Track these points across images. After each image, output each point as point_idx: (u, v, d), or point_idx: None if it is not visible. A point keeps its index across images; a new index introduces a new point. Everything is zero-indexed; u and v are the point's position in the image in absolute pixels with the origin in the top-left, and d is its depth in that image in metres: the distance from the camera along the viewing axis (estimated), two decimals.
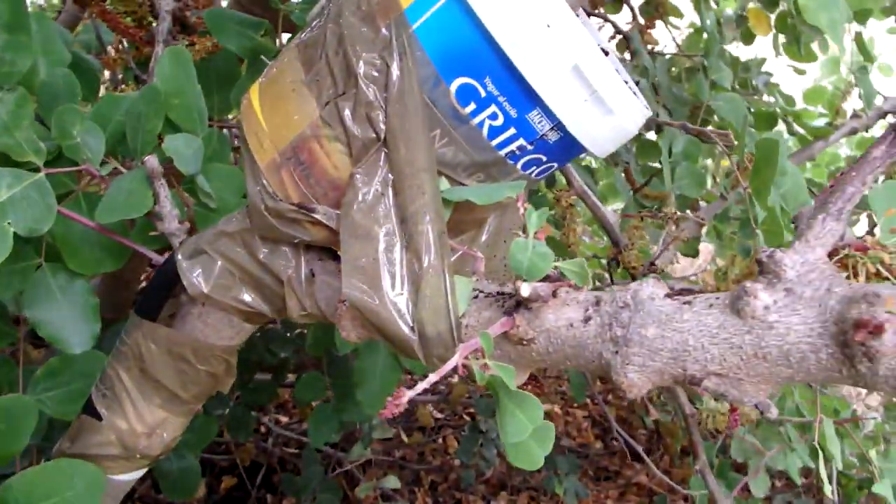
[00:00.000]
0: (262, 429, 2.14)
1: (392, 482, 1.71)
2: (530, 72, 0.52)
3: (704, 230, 1.73)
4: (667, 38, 2.00)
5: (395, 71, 0.54)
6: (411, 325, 0.53)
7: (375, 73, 0.55)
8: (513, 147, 0.57)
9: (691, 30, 2.17)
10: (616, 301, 0.44)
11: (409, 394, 0.41)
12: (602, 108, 0.55)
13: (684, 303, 0.41)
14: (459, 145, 0.56)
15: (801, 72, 1.99)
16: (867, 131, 2.08)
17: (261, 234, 0.63)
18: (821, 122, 2.08)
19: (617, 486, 2.17)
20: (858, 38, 1.68)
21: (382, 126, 0.55)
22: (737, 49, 2.03)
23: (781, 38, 1.78)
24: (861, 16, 1.64)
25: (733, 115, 1.47)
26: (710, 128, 1.14)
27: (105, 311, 0.84)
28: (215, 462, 2.02)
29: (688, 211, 1.57)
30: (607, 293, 0.45)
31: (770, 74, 2.09)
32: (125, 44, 1.03)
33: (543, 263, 0.46)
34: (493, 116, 0.55)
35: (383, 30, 0.55)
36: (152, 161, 0.69)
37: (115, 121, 0.77)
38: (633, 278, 1.19)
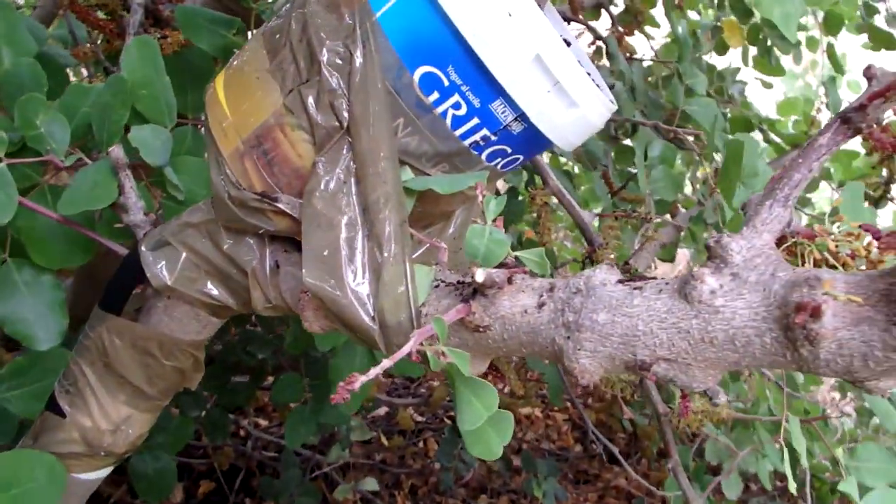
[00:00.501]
0: (241, 432, 2.13)
1: (370, 484, 1.71)
2: (492, 61, 0.52)
3: (682, 234, 1.74)
4: (645, 47, 2.02)
5: (358, 59, 0.54)
6: (372, 314, 0.53)
7: (339, 61, 0.55)
8: (476, 137, 0.57)
9: (668, 39, 2.18)
10: (569, 287, 0.44)
11: (361, 379, 0.40)
12: (565, 99, 0.55)
13: (635, 288, 0.41)
14: (423, 135, 0.56)
15: (768, 85, 2.02)
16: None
17: (225, 224, 0.63)
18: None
19: (596, 490, 2.17)
20: (830, 50, 1.70)
21: (346, 114, 0.55)
22: (711, 58, 2.05)
23: (753, 51, 1.81)
24: (833, 27, 1.66)
25: (707, 119, 1.48)
26: (682, 130, 1.14)
27: (79, 311, 0.83)
28: (193, 466, 2.01)
29: (667, 216, 1.58)
30: (561, 279, 0.46)
31: (744, 83, 2.11)
32: (98, 39, 1.03)
33: (499, 250, 0.46)
34: (457, 106, 0.55)
35: (347, 18, 0.55)
36: (117, 151, 0.69)
37: (81, 112, 0.76)
38: None
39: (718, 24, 1.95)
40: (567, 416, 2.47)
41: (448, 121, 0.56)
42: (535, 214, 1.18)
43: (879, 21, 1.76)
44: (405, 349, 0.44)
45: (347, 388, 0.39)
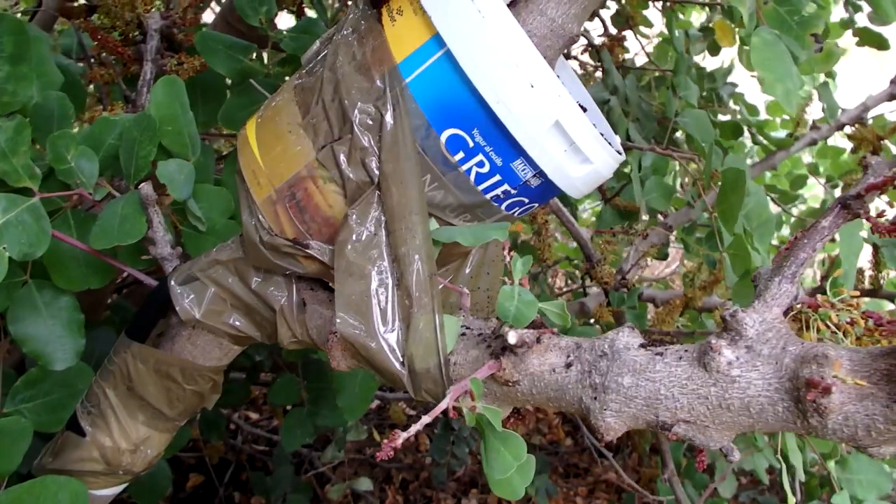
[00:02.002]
0: (232, 426, 2.15)
1: (365, 484, 1.74)
2: (515, 127, 0.56)
3: (673, 235, 1.79)
4: (637, 46, 2.05)
5: (388, 120, 0.58)
6: (401, 359, 0.57)
7: (370, 122, 0.59)
8: (498, 192, 0.61)
9: (660, 39, 2.22)
10: (595, 349, 0.48)
11: (402, 435, 0.44)
12: (580, 157, 0.59)
13: (657, 353, 0.45)
14: (448, 189, 0.60)
15: None
16: (826, 142, 2.16)
17: (254, 264, 0.66)
18: (782, 133, 2.15)
19: (586, 483, 2.22)
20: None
21: (376, 171, 0.59)
22: (703, 60, 2.09)
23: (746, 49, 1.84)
24: (822, 34, 1.70)
25: (699, 131, 1.52)
26: (676, 151, 1.18)
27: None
28: (182, 459, 2.01)
29: (658, 216, 1.62)
30: (586, 340, 0.49)
31: (735, 85, 2.15)
32: (112, 61, 1.05)
33: (529, 311, 0.50)
34: (480, 164, 0.59)
35: (377, 81, 0.58)
36: (147, 188, 0.72)
37: (108, 144, 0.79)
38: (606, 293, 1.24)
39: (710, 25, 1.98)
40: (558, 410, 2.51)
41: (472, 177, 0.59)
42: (534, 230, 1.22)
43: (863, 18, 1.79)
44: (442, 405, 0.47)
45: (391, 445, 0.43)
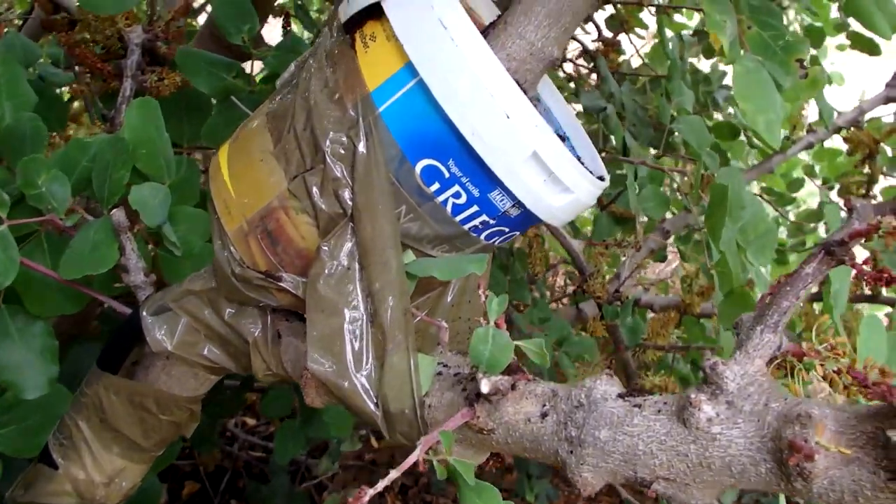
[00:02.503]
0: (228, 433, 2.13)
1: None
2: (491, 158, 0.54)
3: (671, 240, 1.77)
4: (632, 47, 2.03)
5: (361, 150, 0.56)
6: (375, 401, 0.55)
7: (342, 151, 0.57)
8: (476, 222, 0.59)
9: (656, 40, 2.19)
10: (571, 399, 0.46)
11: (370, 492, 0.42)
12: (559, 186, 0.57)
13: (635, 405, 0.43)
14: (425, 220, 0.58)
15: None
16: (822, 145, 2.14)
17: (227, 296, 0.64)
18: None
19: None
20: (814, 61, 1.72)
21: (349, 202, 0.57)
22: (699, 62, 2.06)
23: None
24: (815, 39, 1.67)
25: (694, 137, 1.50)
26: (667, 166, 1.16)
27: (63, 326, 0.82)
28: (177, 466, 1.99)
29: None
30: (563, 388, 0.47)
31: (730, 88, 2.13)
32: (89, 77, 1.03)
33: (503, 356, 0.48)
34: (457, 195, 0.57)
35: (350, 109, 0.56)
36: (119, 215, 0.70)
37: (81, 166, 0.77)
38: (600, 307, 1.22)
39: (704, 28, 1.96)
40: None
41: (448, 208, 0.57)
42: (524, 245, 1.20)
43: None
44: (412, 458, 0.45)
45: (357, 501, 0.41)
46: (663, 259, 1.87)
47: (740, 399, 0.40)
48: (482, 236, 0.60)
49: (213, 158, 0.66)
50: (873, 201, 2.08)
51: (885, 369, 0.40)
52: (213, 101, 1.06)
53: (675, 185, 2.02)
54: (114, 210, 0.70)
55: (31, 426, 0.82)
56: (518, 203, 0.57)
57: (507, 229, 0.61)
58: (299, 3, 1.31)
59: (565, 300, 2.11)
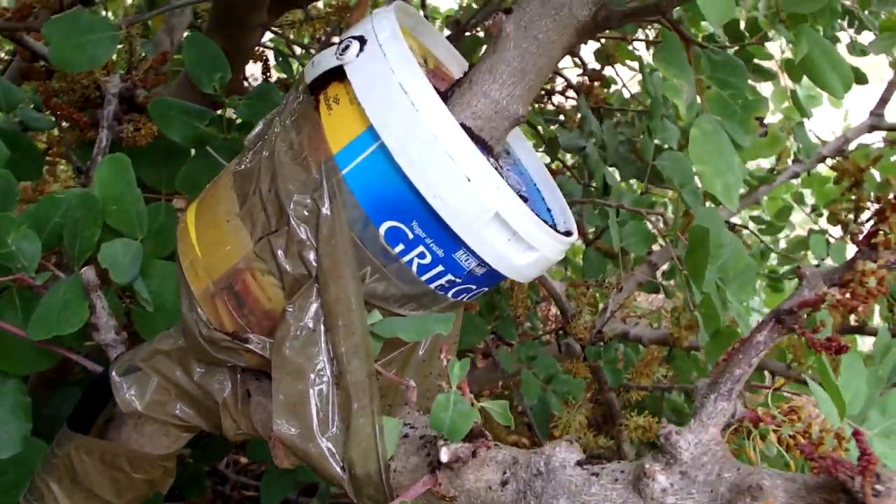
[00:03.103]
0: (219, 473, 2.11)
1: None
2: (453, 220, 0.54)
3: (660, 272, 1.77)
4: (624, 77, 2.04)
5: (325, 212, 0.56)
6: (342, 464, 0.55)
7: (306, 213, 0.57)
8: (442, 281, 0.59)
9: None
10: (531, 467, 0.46)
11: None
12: (523, 245, 0.57)
13: (592, 474, 0.43)
14: (390, 281, 0.58)
15: None
16: (808, 174, 2.16)
17: (196, 357, 0.64)
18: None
19: None
20: (793, 96, 1.73)
21: (314, 263, 0.57)
22: None
23: None
24: (796, 74, 1.69)
25: (677, 173, 1.50)
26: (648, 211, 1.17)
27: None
28: None
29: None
30: (523, 454, 0.47)
31: None
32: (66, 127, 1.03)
33: (464, 423, 0.47)
34: (422, 256, 0.57)
35: (314, 171, 0.57)
36: (89, 273, 0.70)
37: (52, 223, 0.77)
38: (583, 348, 1.22)
39: None
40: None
41: (414, 268, 0.57)
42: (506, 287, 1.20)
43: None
44: None
45: None
46: (655, 290, 1.87)
47: (694, 469, 0.40)
48: (449, 294, 0.60)
49: (181, 218, 0.66)
50: (863, 227, 2.09)
51: (841, 434, 0.40)
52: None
53: (659, 219, 2.03)
54: (84, 268, 0.70)
55: (5, 484, 0.81)
56: (483, 262, 0.57)
57: (473, 287, 0.61)
58: (280, 48, 1.32)
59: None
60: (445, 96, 0.63)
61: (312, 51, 1.52)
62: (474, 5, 1.90)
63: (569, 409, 1.17)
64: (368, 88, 0.55)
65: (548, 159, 1.92)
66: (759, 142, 1.65)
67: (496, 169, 0.62)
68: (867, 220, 0.39)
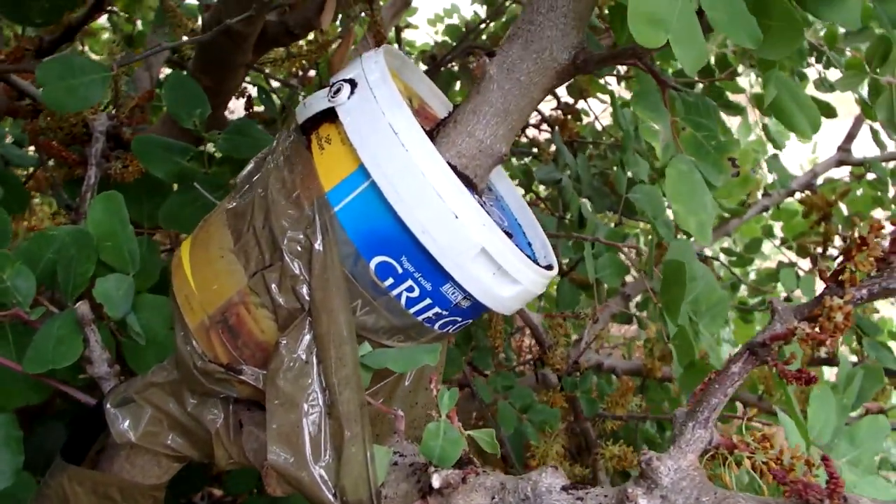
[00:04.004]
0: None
1: None
2: (441, 256, 0.56)
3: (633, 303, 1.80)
4: (596, 109, 2.09)
5: (318, 248, 0.58)
6: (333, 492, 0.56)
7: (299, 249, 0.59)
8: (429, 314, 0.61)
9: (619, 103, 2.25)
10: (518, 492, 0.48)
11: None
12: (507, 279, 0.60)
13: (577, 498, 0.45)
14: (380, 313, 0.60)
15: None
16: (778, 207, 2.21)
17: (189, 388, 0.66)
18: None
19: None
20: (766, 130, 1.79)
21: (307, 297, 0.59)
22: None
23: None
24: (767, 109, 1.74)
25: (650, 206, 1.54)
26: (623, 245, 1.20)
27: None
28: None
29: None
30: (511, 480, 0.49)
31: None
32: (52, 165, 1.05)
33: (454, 451, 0.50)
34: (410, 289, 0.59)
35: (307, 209, 0.59)
36: (83, 308, 0.71)
37: (45, 259, 0.78)
38: (559, 378, 1.25)
39: None
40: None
41: (402, 301, 0.60)
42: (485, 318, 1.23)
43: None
44: None
45: None
46: (628, 320, 1.90)
47: (673, 493, 0.42)
48: (436, 326, 0.63)
49: (175, 252, 0.68)
50: (832, 259, 2.14)
51: (810, 461, 0.43)
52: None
53: (633, 251, 2.07)
54: (79, 303, 0.72)
55: None
56: (469, 295, 0.60)
57: (459, 319, 0.63)
58: (260, 83, 1.35)
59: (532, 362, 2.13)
60: (431, 135, 0.66)
61: (293, 81, 1.55)
62: (450, 41, 1.94)
63: (546, 439, 1.19)
64: (359, 129, 0.57)
65: (522, 191, 1.96)
66: (731, 181, 1.70)
67: (480, 205, 0.65)
68: (836, 258, 0.42)
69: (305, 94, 1.46)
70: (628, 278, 1.70)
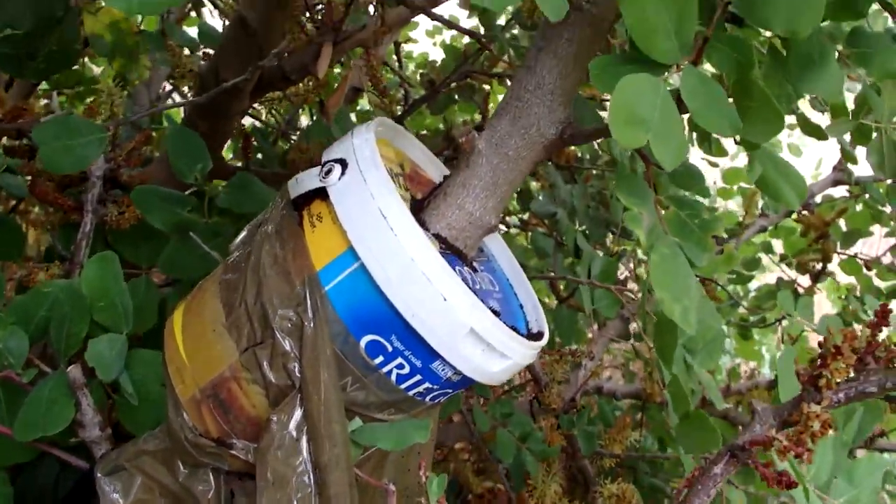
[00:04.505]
0: None
1: None
2: (430, 336, 0.57)
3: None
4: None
5: (308, 326, 0.59)
6: None
7: (290, 326, 0.59)
8: (420, 389, 0.61)
9: None
10: None
11: None
12: (496, 354, 0.60)
13: None
14: (370, 389, 0.61)
15: (714, 164, 2.11)
16: (776, 227, 2.22)
17: (180, 459, 0.66)
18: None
19: None
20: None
21: (298, 375, 0.59)
22: None
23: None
24: (752, 145, 1.75)
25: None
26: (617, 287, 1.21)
27: None
28: None
29: None
30: None
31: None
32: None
33: None
34: (400, 367, 0.59)
35: (298, 287, 0.59)
36: (75, 372, 0.72)
37: (39, 316, 0.78)
38: (556, 417, 1.25)
39: None
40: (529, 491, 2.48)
41: (393, 378, 0.60)
42: None
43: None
44: None
45: None
46: (627, 338, 1.91)
47: None
48: (427, 399, 0.63)
49: (168, 321, 0.68)
50: (829, 278, 2.16)
51: None
52: None
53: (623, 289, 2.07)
54: (70, 367, 0.72)
55: None
56: (458, 371, 0.60)
57: (450, 390, 0.64)
58: (260, 127, 1.35)
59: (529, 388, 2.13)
60: (422, 205, 0.66)
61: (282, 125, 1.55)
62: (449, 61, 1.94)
63: (544, 477, 1.19)
64: (349, 211, 0.58)
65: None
66: (716, 259, 1.70)
67: (470, 273, 0.65)
68: (813, 361, 0.42)
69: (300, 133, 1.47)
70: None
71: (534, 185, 1.98)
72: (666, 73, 0.50)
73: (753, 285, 2.48)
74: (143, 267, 1.06)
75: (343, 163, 0.59)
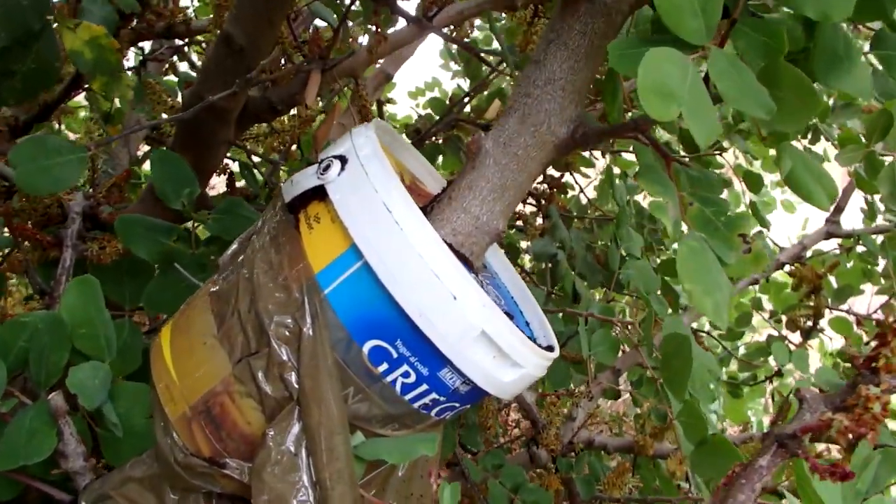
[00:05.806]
0: None
1: None
2: (439, 339, 0.53)
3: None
4: (579, 184, 2.08)
5: (307, 333, 0.55)
6: None
7: (287, 334, 0.56)
8: (426, 400, 0.58)
9: (602, 177, 2.26)
10: None
11: None
12: (508, 362, 0.56)
13: None
14: (374, 401, 0.57)
15: None
16: (768, 280, 2.20)
17: (170, 483, 0.62)
18: None
19: None
20: (753, 207, 1.78)
21: (296, 385, 0.56)
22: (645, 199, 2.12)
23: None
24: (754, 185, 1.74)
25: (643, 281, 1.52)
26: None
27: None
28: None
29: None
30: None
31: None
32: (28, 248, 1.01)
33: None
34: (406, 375, 0.56)
35: (295, 292, 0.56)
36: (57, 399, 0.67)
37: (18, 347, 0.74)
38: (554, 460, 1.20)
39: None
40: None
41: (397, 388, 0.56)
42: None
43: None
44: None
45: None
46: (616, 396, 1.87)
47: None
48: (433, 413, 0.59)
49: (154, 340, 0.64)
50: (821, 334, 2.13)
51: None
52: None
53: (625, 322, 2.04)
54: (52, 394, 0.68)
55: None
56: (468, 380, 0.56)
57: (457, 405, 0.60)
58: (241, 159, 1.33)
59: (521, 439, 2.07)
60: (425, 212, 0.63)
61: (275, 156, 1.52)
62: (434, 115, 1.94)
63: None
64: (351, 207, 0.55)
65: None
66: (744, 259, 1.68)
67: (479, 282, 0.62)
68: (867, 343, 0.39)
69: (288, 169, 1.44)
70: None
71: (523, 244, 1.96)
72: (692, 57, 0.48)
73: (740, 345, 2.45)
74: (125, 308, 1.01)
75: (342, 158, 0.57)
